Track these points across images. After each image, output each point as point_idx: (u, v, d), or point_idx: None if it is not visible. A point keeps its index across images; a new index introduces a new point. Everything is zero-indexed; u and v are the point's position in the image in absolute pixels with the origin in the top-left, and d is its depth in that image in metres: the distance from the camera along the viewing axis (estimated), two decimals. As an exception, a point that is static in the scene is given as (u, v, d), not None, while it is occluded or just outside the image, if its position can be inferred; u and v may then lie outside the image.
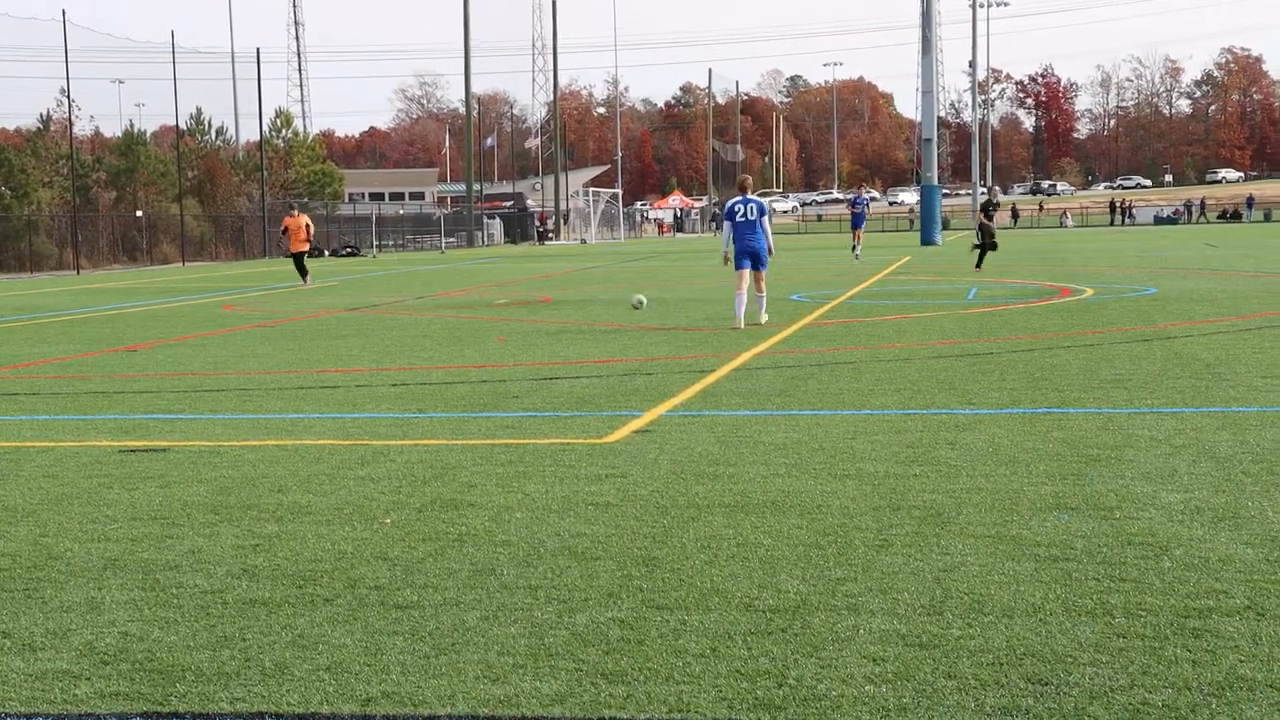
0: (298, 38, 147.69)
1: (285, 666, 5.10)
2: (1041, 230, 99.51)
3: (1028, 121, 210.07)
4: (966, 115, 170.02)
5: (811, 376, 13.39)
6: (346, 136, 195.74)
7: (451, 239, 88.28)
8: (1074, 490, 7.73)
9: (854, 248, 44.85)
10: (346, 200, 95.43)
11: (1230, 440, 9.17)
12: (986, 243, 34.71)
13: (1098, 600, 5.64)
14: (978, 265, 34.24)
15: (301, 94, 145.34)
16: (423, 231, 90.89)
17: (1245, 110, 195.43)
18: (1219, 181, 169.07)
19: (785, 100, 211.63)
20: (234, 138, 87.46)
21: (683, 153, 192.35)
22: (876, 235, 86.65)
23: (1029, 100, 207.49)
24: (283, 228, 38.68)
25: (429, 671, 5.01)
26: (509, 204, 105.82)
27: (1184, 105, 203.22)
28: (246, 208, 75.72)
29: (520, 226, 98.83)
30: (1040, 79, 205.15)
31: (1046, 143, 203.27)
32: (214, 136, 79.68)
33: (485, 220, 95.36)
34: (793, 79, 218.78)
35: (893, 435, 9.75)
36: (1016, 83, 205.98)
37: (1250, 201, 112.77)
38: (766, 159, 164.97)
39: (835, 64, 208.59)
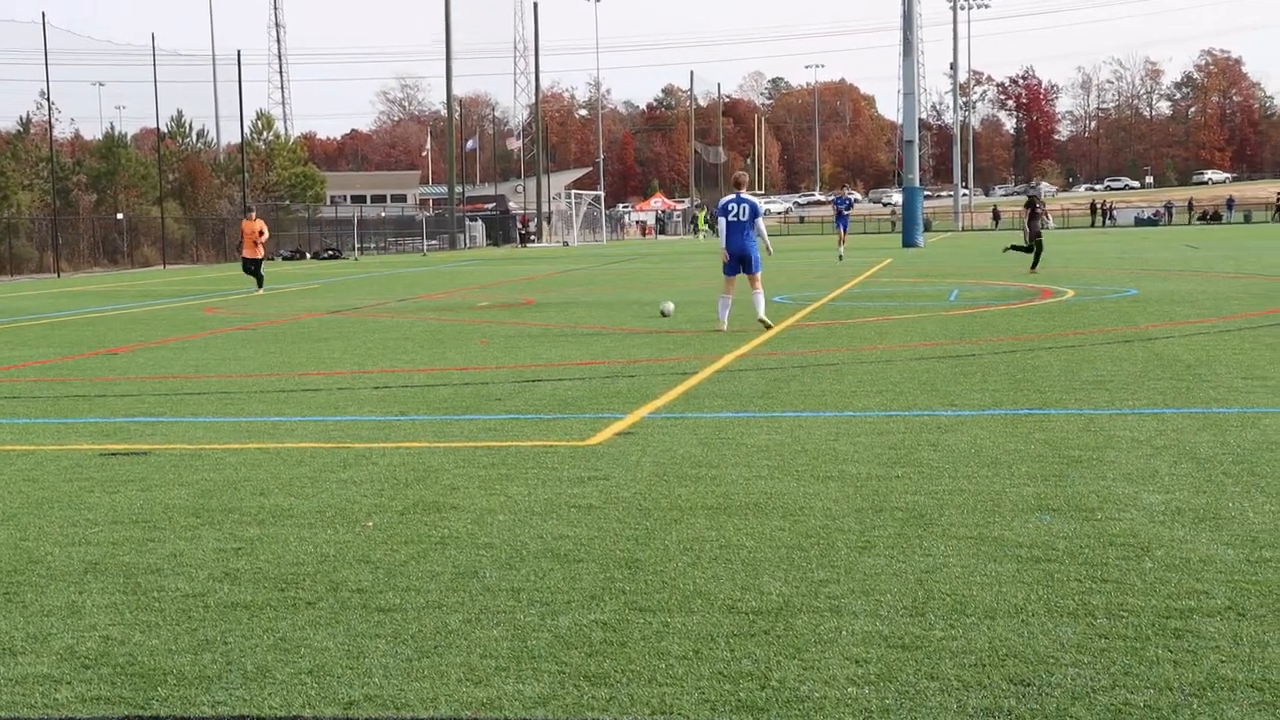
0: (279, 40, 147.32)
1: (267, 670, 5.09)
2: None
3: (1009, 123, 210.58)
4: (948, 117, 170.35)
5: (794, 378, 13.40)
6: (328, 139, 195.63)
7: (433, 241, 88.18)
8: (1056, 491, 7.75)
9: (840, 249, 44.87)
10: (328, 203, 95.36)
11: (1211, 441, 9.20)
12: (1032, 241, 33.13)
13: (1079, 601, 5.66)
14: (1033, 267, 32.75)
15: (283, 96, 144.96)
16: (404, 234, 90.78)
17: (1225, 112, 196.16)
18: (1205, 183, 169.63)
19: (767, 102, 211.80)
20: (215, 140, 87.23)
21: (665, 155, 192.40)
22: (858, 237, 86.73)
23: (1010, 102, 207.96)
24: (239, 232, 37.18)
25: (411, 674, 5.00)
26: (491, 206, 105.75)
27: (1164, 107, 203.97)
28: (228, 210, 75.53)
29: (502, 229, 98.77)
30: (1021, 81, 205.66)
31: (1028, 144, 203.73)
32: (195, 139, 79.46)
33: (467, 222, 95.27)
34: (774, 81, 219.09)
35: (875, 437, 9.76)
36: (997, 85, 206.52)
37: (1230, 203, 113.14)
38: (749, 161, 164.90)
39: (817, 66, 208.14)
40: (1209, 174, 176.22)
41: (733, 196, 19.19)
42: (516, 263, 56.73)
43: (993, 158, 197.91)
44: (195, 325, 23.66)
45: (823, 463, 8.82)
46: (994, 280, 30.49)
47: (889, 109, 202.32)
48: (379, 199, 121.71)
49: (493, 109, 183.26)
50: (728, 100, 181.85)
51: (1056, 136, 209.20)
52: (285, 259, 71.35)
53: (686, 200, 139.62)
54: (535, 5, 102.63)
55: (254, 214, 37.04)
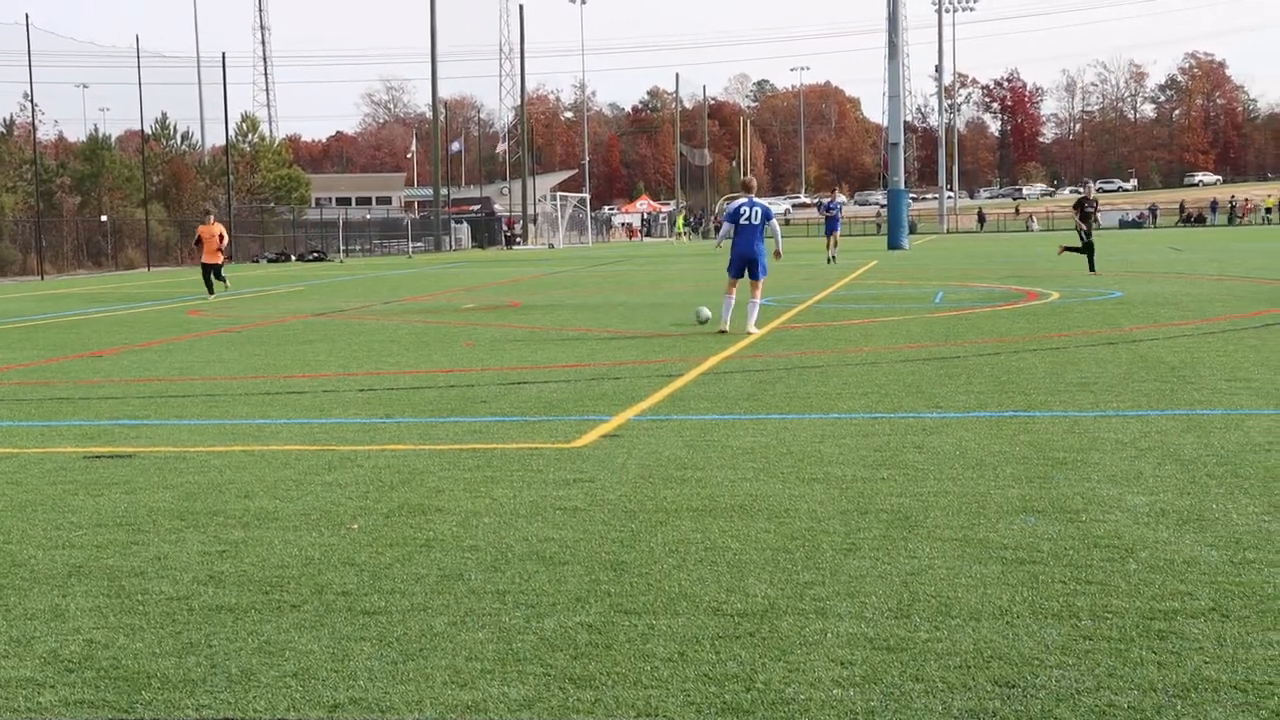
0: (264, 42, 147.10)
1: (252, 673, 5.08)
2: (1008, 234, 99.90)
3: (994, 126, 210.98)
4: (933, 120, 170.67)
5: (779, 380, 13.41)
6: (313, 141, 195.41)
7: (419, 244, 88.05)
8: (1040, 493, 7.77)
9: (829, 252, 44.82)
10: (313, 205, 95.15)
11: (1195, 443, 9.22)
12: (1086, 242, 32.39)
13: (1064, 603, 5.67)
14: (1091, 268, 32.13)
15: (268, 98, 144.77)
16: (390, 236, 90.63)
17: (1209, 115, 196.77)
18: (1196, 185, 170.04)
19: (752, 105, 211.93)
20: (200, 142, 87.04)
21: (650, 157, 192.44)
22: (842, 240, 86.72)
23: (995, 105, 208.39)
24: (196, 236, 35.01)
25: (396, 677, 5.00)
26: (476, 208, 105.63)
27: (1148, 110, 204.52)
28: (213, 213, 75.33)
29: (488, 231, 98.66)
30: (1006, 84, 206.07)
31: (1013, 147, 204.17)
32: (179, 141, 79.26)
33: (453, 225, 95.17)
34: (760, 83, 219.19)
35: (860, 439, 9.77)
36: (982, 87, 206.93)
37: (1214, 205, 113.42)
38: (734, 163, 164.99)
39: (802, 68, 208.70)
40: (1199, 176, 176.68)
41: (745, 200, 19.01)
42: (502, 265, 56.70)
43: (978, 160, 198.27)
44: (180, 328, 23.61)
45: (808, 465, 8.83)
46: (979, 282, 30.55)
47: (874, 111, 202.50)
48: (364, 201, 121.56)
49: (478, 111, 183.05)
50: (713, 102, 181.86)
51: (1041, 139, 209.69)
52: (270, 261, 71.25)
53: (672, 203, 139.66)
54: (520, 8, 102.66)
55: (212, 217, 35.48)
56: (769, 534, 6.98)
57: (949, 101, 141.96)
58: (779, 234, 19.12)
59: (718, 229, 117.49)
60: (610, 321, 21.89)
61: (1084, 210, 33.03)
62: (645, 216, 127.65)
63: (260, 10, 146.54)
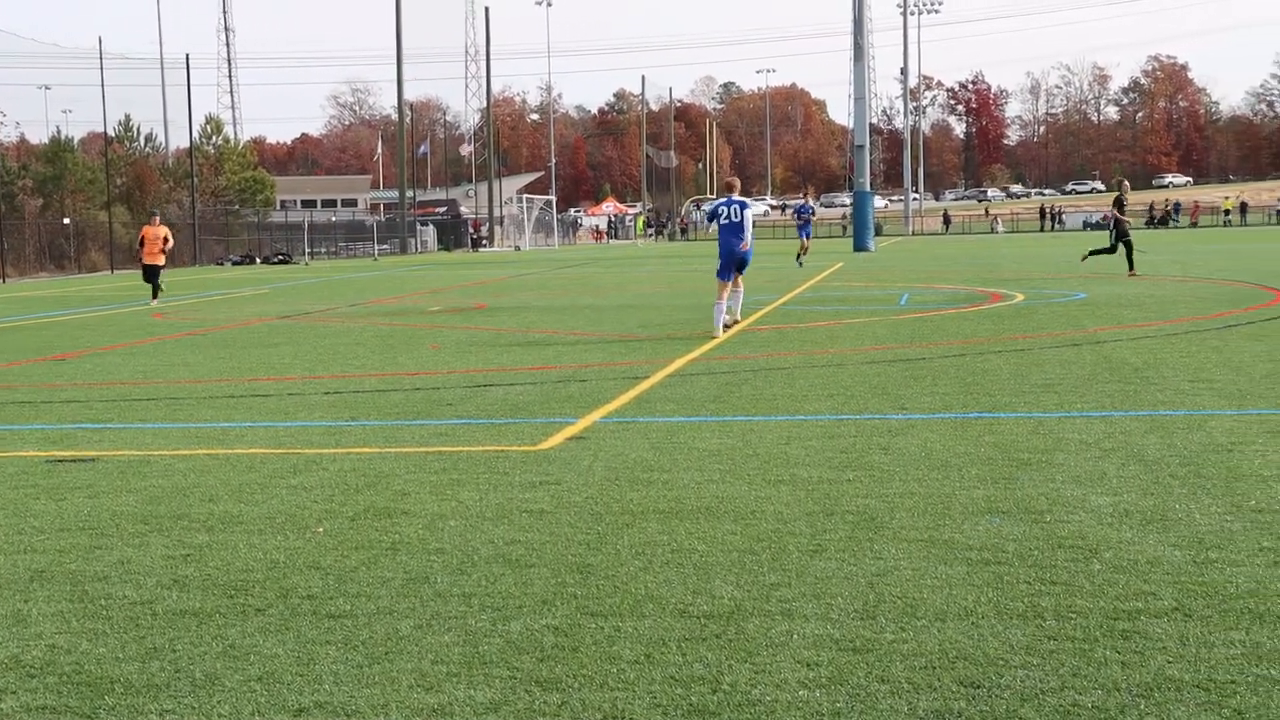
0: (228, 44, 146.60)
1: (216, 677, 5.06)
2: (974, 236, 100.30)
3: (959, 128, 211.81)
4: (898, 122, 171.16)
5: (745, 382, 13.42)
6: (278, 143, 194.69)
7: (385, 246, 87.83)
8: (1005, 494, 7.80)
9: (799, 256, 44.81)
10: (278, 207, 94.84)
11: (1158, 443, 9.28)
12: (1123, 240, 31.50)
13: (1029, 603, 5.69)
14: (1130, 269, 31.40)
15: (232, 100, 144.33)
16: (356, 238, 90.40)
17: (1172, 117, 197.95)
18: (1165, 186, 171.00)
19: (719, 107, 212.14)
20: (164, 144, 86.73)
21: (616, 159, 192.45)
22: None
23: (960, 107, 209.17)
24: (139, 237, 34.18)
25: (362, 681, 4.98)
26: (442, 211, 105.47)
27: (1112, 112, 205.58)
28: (177, 215, 75.01)
29: (454, 233, 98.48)
30: (971, 86, 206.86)
31: (977, 149, 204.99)
32: (143, 143, 78.94)
33: (418, 227, 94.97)
34: (726, 86, 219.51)
35: (826, 440, 9.79)
36: (947, 90, 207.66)
37: (1177, 207, 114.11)
38: (700, 165, 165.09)
39: (768, 71, 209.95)
40: (1169, 178, 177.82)
41: (724, 200, 18.91)
42: (468, 267, 56.61)
43: (943, 162, 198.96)
44: (143, 331, 23.49)
45: (774, 466, 8.84)
46: (944, 284, 30.65)
47: (840, 114, 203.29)
48: (329, 204, 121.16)
49: (444, 113, 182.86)
50: (679, 105, 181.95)
51: (1006, 141, 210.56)
52: (235, 264, 70.96)
53: (638, 204, 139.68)
54: (486, 10, 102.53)
55: (158, 218, 34.59)
56: (735, 536, 6.99)
57: (914, 104, 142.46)
58: (749, 228, 18.79)
59: (683, 230, 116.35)
60: (576, 324, 21.88)
61: (1122, 208, 32.04)
62: (612, 219, 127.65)
63: (225, 12, 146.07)
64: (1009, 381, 12.79)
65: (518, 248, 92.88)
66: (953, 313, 21.89)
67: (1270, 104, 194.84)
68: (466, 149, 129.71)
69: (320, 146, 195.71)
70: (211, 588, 6.28)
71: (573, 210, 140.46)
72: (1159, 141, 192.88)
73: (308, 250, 78.75)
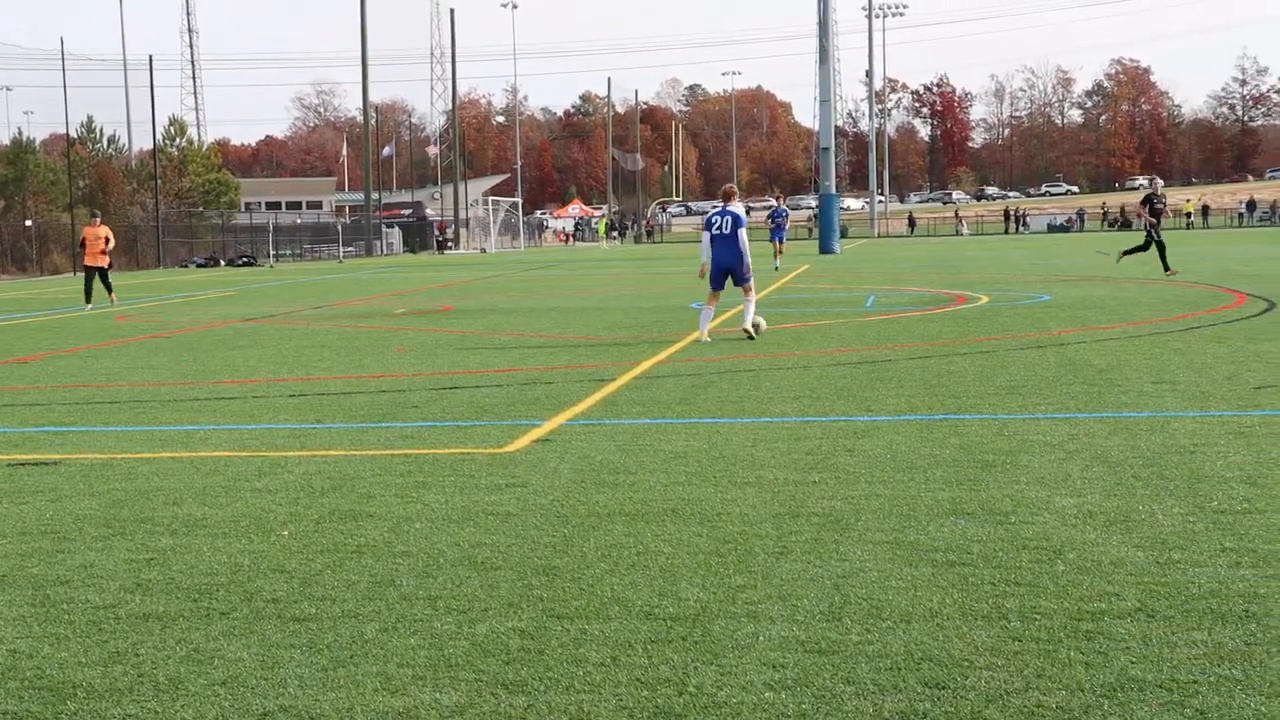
0: (192, 45, 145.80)
1: (179, 681, 5.03)
2: (938, 238, 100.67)
3: (924, 131, 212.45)
4: (864, 124, 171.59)
5: (711, 384, 13.44)
6: (242, 145, 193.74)
7: (350, 248, 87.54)
8: (970, 496, 7.83)
9: (775, 260, 44.70)
10: (243, 209, 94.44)
11: (1121, 445, 9.33)
12: (1155, 239, 31.53)
13: (993, 604, 5.71)
14: (1166, 269, 31.19)
15: (196, 102, 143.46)
16: (321, 241, 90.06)
17: (1135, 120, 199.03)
18: (1136, 188, 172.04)
19: (684, 109, 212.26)
20: (127, 146, 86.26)
21: (582, 161, 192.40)
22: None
23: (925, 110, 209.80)
24: (80, 238, 33.18)
25: (327, 684, 4.96)
26: (408, 213, 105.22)
27: (1076, 115, 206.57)
28: (140, 217, 74.67)
29: (419, 235, 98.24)
30: (936, 89, 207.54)
31: (942, 151, 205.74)
32: (106, 145, 78.51)
33: (384, 229, 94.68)
34: (692, 88, 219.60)
35: (792, 442, 9.81)
36: (913, 92, 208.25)
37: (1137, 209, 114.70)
38: (666, 168, 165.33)
39: (734, 73, 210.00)
40: (1139, 180, 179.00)
41: (718, 210, 18.61)
42: (434, 269, 56.50)
43: (908, 165, 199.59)
44: (106, 333, 23.34)
45: (740, 469, 8.85)
46: (910, 286, 30.75)
47: (806, 116, 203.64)
48: (294, 206, 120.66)
49: (409, 115, 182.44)
50: (645, 107, 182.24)
51: (971, 144, 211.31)
52: (199, 266, 70.62)
53: (604, 207, 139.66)
54: (452, 11, 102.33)
55: (99, 219, 33.47)
56: (701, 538, 6.99)
57: (879, 106, 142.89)
58: (746, 247, 18.20)
59: (649, 233, 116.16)
60: (543, 326, 21.86)
61: (1153, 206, 32.11)
62: (578, 221, 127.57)
63: (188, 13, 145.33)
64: (974, 383, 12.84)
65: (483, 250, 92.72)
66: (918, 315, 21.97)
67: (1231, 107, 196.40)
68: (432, 151, 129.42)
69: (285, 149, 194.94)
70: (175, 591, 6.25)
71: (538, 212, 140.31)
72: (1122, 144, 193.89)
73: (272, 252, 78.38)
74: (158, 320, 26.71)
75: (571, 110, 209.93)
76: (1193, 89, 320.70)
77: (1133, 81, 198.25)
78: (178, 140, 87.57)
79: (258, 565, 6.68)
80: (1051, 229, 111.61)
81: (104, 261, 32.26)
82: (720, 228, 18.25)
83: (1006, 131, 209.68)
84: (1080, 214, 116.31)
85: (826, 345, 17.08)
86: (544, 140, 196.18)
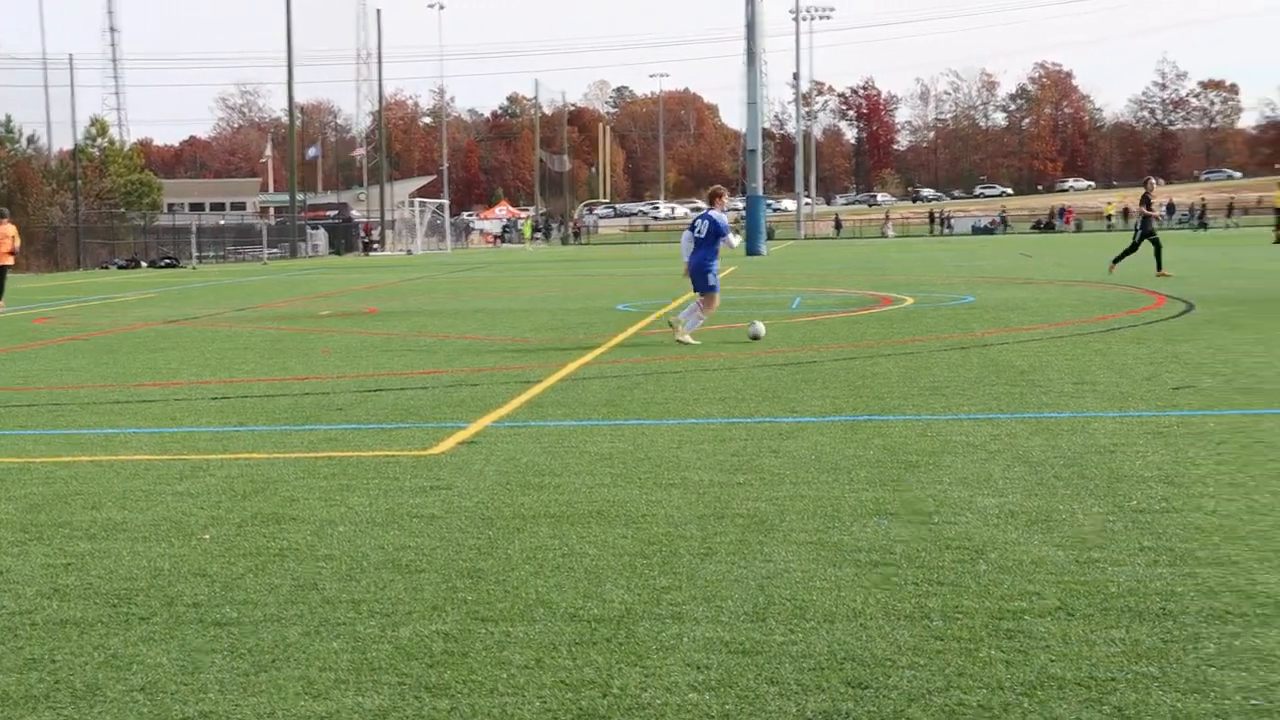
0: (114, 44, 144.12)
1: (97, 687, 4.97)
2: (864, 240, 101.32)
3: (850, 133, 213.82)
4: (791, 127, 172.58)
5: (637, 386, 13.44)
6: (165, 145, 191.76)
7: (274, 250, 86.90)
8: (893, 496, 7.87)
9: None
10: (166, 210, 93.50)
11: (1043, 445, 9.42)
12: (1150, 238, 31.05)
13: (916, 604, 5.75)
14: (1160, 269, 30.93)
15: (118, 102, 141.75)
16: (245, 242, 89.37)
17: (1057, 123, 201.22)
18: (1066, 190, 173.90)
19: (612, 111, 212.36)
20: (46, 146, 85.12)
21: (509, 163, 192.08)
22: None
23: (851, 112, 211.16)
24: None
25: (248, 689, 4.91)
26: (333, 214, 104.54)
27: (1000, 118, 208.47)
28: (60, 218, 73.72)
29: (345, 237, 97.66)
30: (861, 91, 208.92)
31: (868, 154, 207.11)
32: (25, 145, 77.46)
33: (309, 230, 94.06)
34: (619, 90, 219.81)
35: (717, 444, 9.83)
36: (839, 95, 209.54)
37: (1061, 212, 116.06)
38: (593, 169, 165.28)
39: (661, 75, 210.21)
40: (1070, 182, 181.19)
41: (701, 214, 18.53)
42: (359, 271, 56.17)
43: (834, 167, 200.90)
44: (24, 336, 23.02)
45: (665, 470, 8.86)
46: (835, 288, 30.92)
47: (732, 118, 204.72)
48: (218, 207, 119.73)
49: (335, 116, 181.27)
50: (572, 109, 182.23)
51: (896, 146, 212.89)
52: (120, 268, 69.82)
53: (531, 209, 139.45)
54: (378, 12, 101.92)
55: (6, 218, 32.70)
56: (626, 540, 6.99)
57: (806, 109, 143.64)
58: (732, 242, 18.34)
59: (576, 234, 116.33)
60: (468, 328, 21.79)
61: (1148, 203, 31.76)
62: (506, 224, 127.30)
63: (110, 11, 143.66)
64: (898, 384, 12.92)
65: (410, 251, 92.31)
66: (844, 316, 22.09)
67: (1151, 111, 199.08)
68: (358, 152, 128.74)
69: (209, 149, 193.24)
70: (93, 596, 6.17)
71: (465, 214, 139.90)
72: (1045, 147, 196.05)
73: (195, 254, 77.65)
74: (77, 322, 26.38)
75: (499, 112, 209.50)
76: (1114, 93, 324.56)
77: (1055, 85, 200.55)
78: (99, 140, 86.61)
79: (178, 569, 6.61)
80: (976, 230, 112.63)
81: (9, 260, 31.83)
82: (699, 231, 18.20)
83: (931, 134, 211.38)
84: (1003, 216, 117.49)
85: (752, 347, 17.13)
86: (471, 142, 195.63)
